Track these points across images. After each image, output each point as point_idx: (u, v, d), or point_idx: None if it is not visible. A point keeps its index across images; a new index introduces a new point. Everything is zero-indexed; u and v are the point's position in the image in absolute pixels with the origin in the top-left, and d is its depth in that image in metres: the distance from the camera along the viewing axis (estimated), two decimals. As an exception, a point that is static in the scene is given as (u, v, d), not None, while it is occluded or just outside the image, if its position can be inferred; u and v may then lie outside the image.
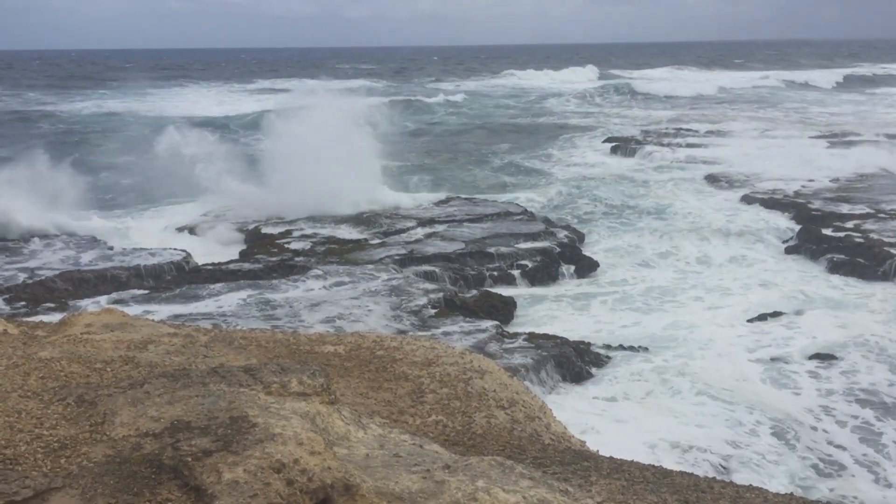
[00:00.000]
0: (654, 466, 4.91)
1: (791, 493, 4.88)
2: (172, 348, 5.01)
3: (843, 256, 22.41)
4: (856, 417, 14.05)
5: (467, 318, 17.51)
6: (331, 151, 28.49)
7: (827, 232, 24.19)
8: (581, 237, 25.36)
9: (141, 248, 22.05)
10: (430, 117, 61.90)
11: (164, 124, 56.57)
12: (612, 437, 12.74)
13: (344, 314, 17.20)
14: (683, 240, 24.44)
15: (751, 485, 4.85)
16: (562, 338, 16.77)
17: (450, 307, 18.33)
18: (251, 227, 25.55)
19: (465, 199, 29.84)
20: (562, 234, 24.69)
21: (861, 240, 23.03)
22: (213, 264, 21.33)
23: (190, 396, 3.77)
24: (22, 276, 19.39)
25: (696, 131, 47.77)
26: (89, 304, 17.66)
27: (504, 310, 18.90)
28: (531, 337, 16.60)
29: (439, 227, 25.03)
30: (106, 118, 61.17)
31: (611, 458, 5.05)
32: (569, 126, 55.16)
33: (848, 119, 55.72)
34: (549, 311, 19.66)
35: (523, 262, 22.08)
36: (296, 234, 24.44)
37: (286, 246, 23.11)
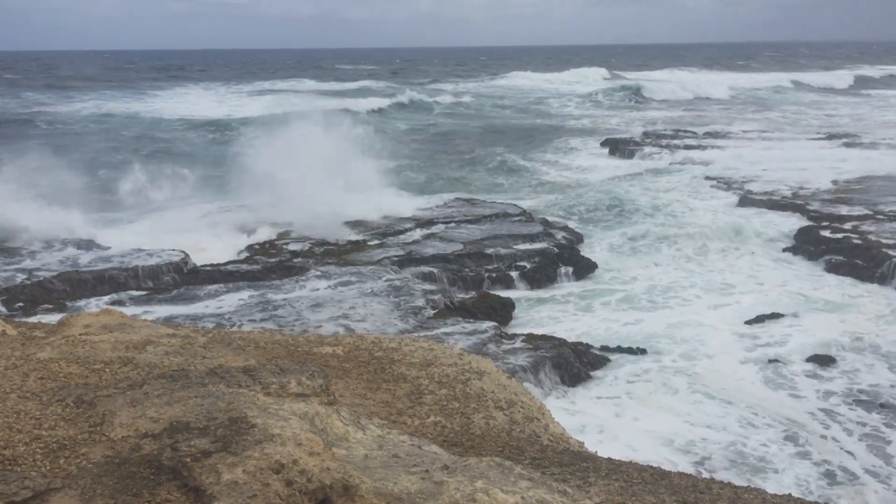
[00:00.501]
0: (652, 467, 4.92)
1: (789, 494, 4.89)
2: (171, 349, 5.01)
3: (841, 258, 22.44)
4: (855, 419, 14.05)
5: (466, 320, 17.51)
6: (324, 168, 28.07)
7: (825, 233, 24.22)
8: (579, 238, 25.37)
9: (139, 249, 22.03)
10: (435, 118, 61.85)
11: (165, 125, 56.80)
12: (610, 438, 12.77)
13: (342, 315, 17.20)
14: (681, 241, 24.45)
15: (748, 485, 4.86)
16: (560, 339, 16.78)
17: (448, 308, 18.33)
18: (249, 228, 25.52)
19: (464, 200, 29.86)
20: (560, 236, 24.70)
21: (859, 241, 23.06)
22: (211, 265, 21.33)
23: (189, 397, 3.77)
24: (20, 277, 19.38)
25: (695, 133, 47.82)
26: (88, 305, 17.66)
27: (502, 311, 18.91)
28: (529, 338, 16.60)
29: (437, 229, 25.04)
30: (105, 119, 61.12)
31: (609, 459, 5.06)
32: (570, 128, 55.21)
33: (861, 120, 55.74)
34: (547, 312, 19.67)
35: (521, 264, 22.08)
36: (294, 234, 24.45)
37: (284, 247, 23.11)
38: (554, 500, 3.40)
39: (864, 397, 14.77)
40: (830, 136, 44.94)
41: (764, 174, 33.71)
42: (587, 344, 16.97)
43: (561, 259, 22.64)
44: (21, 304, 17.98)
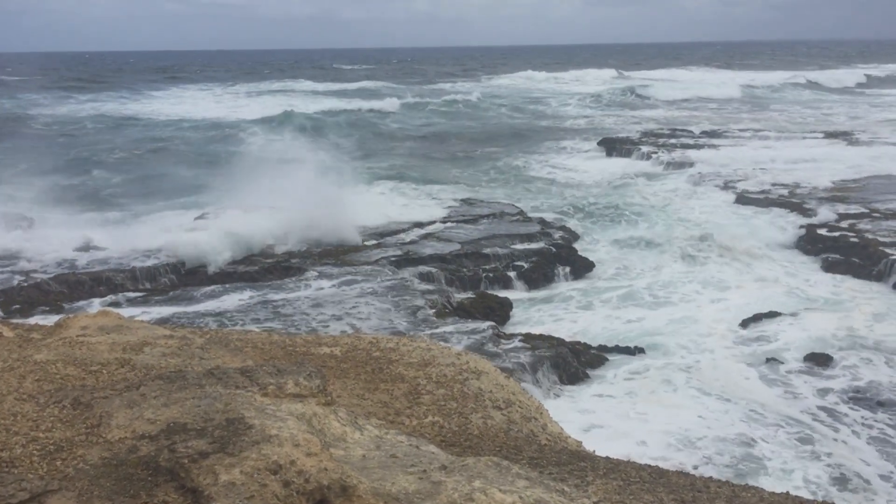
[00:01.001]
0: (650, 466, 4.92)
1: (787, 493, 4.89)
2: (168, 350, 5.01)
3: (838, 256, 22.47)
4: (854, 418, 14.07)
5: (464, 319, 17.52)
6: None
7: (822, 232, 24.26)
8: (577, 238, 25.39)
9: (136, 251, 22.01)
10: (433, 118, 61.83)
11: (163, 126, 56.75)
12: (608, 438, 12.77)
13: (340, 316, 17.20)
14: (678, 240, 24.46)
15: (746, 484, 4.87)
16: (558, 338, 16.79)
17: (446, 308, 18.34)
18: (247, 224, 25.44)
19: (462, 200, 29.87)
20: (557, 235, 24.72)
21: (856, 239, 23.10)
22: (208, 265, 21.29)
23: (186, 398, 3.77)
24: (17, 279, 19.36)
25: (692, 132, 47.85)
26: (88, 306, 17.64)
27: (500, 311, 18.92)
28: (527, 338, 16.61)
29: (435, 229, 25.04)
30: (102, 120, 61.05)
31: (607, 458, 5.06)
32: (570, 128, 55.17)
33: (855, 119, 55.69)
34: (545, 312, 19.68)
35: (519, 263, 22.09)
36: (291, 235, 24.41)
37: (282, 248, 23.07)
38: (552, 500, 3.40)
39: (862, 395, 14.79)
40: (830, 135, 44.97)
41: (762, 172, 33.75)
42: (585, 343, 16.98)
43: (558, 259, 22.65)
44: (18, 305, 17.96)
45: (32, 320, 14.58)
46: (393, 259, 21.66)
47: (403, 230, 24.94)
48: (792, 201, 28.32)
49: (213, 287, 19.57)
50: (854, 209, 26.59)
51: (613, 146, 43.12)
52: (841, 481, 12.05)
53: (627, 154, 40.98)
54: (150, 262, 20.88)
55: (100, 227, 27.44)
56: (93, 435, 3.54)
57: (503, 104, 71.89)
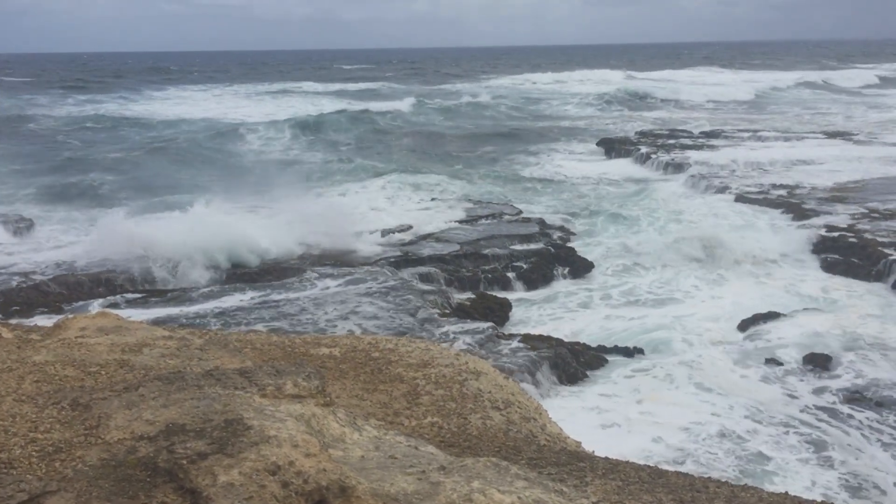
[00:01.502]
0: (649, 466, 4.93)
1: (785, 492, 4.90)
2: (167, 351, 5.01)
3: (837, 256, 22.48)
4: (854, 418, 14.07)
5: (463, 320, 17.52)
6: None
7: (821, 232, 24.26)
8: (575, 238, 25.40)
9: (136, 251, 21.97)
10: (433, 118, 61.75)
11: (163, 126, 56.73)
12: (607, 438, 12.76)
13: (339, 316, 17.20)
14: (676, 241, 24.46)
15: (745, 484, 4.87)
16: (557, 339, 16.79)
17: (445, 309, 18.34)
18: (246, 225, 25.45)
19: (462, 200, 29.88)
20: (556, 236, 24.74)
21: (855, 240, 23.10)
22: (207, 266, 21.27)
23: (185, 399, 3.77)
24: (16, 280, 19.35)
25: (691, 133, 47.86)
26: (90, 307, 17.63)
27: (499, 311, 18.92)
28: (526, 338, 16.61)
29: (434, 229, 25.04)
30: (101, 120, 61.02)
31: (606, 458, 5.06)
32: (571, 128, 55.10)
33: (851, 118, 55.51)
34: (544, 312, 19.69)
35: (518, 264, 22.10)
36: (291, 236, 24.39)
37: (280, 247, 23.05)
38: (550, 500, 3.40)
39: (863, 396, 14.78)
40: (831, 135, 44.98)
41: (763, 174, 33.76)
42: (584, 344, 16.99)
43: (557, 259, 22.66)
44: (17, 307, 17.95)
45: (31, 321, 14.59)
46: (392, 260, 21.66)
47: (403, 230, 24.94)
48: (791, 202, 28.33)
49: (211, 287, 19.56)
50: (853, 209, 26.60)
51: (612, 146, 43.14)
52: (852, 488, 12.04)
53: (627, 154, 41.00)
54: (149, 263, 20.84)
55: (98, 227, 27.39)
56: (91, 436, 3.54)
57: (506, 105, 71.82)
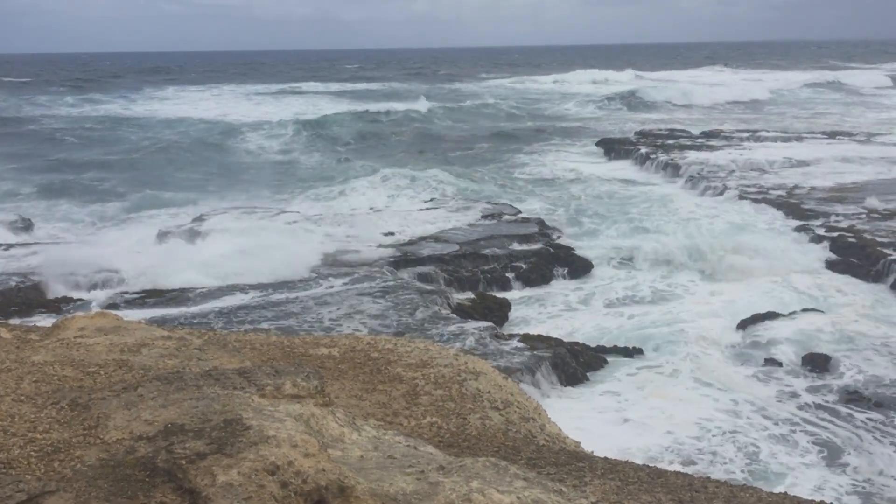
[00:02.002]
0: (648, 466, 4.93)
1: (785, 493, 4.90)
2: (166, 351, 5.00)
3: (836, 256, 22.48)
4: (854, 418, 14.08)
5: (462, 320, 17.52)
6: None
7: (820, 232, 24.27)
8: (575, 238, 25.39)
9: (135, 252, 21.98)
10: (434, 119, 61.66)
11: (164, 127, 56.73)
12: (606, 439, 12.76)
13: (339, 316, 17.19)
14: (676, 241, 24.46)
15: (745, 484, 4.87)
16: (556, 339, 16.79)
17: (444, 309, 18.33)
18: (245, 227, 25.45)
19: (462, 200, 29.89)
20: (555, 236, 24.74)
21: (854, 240, 23.11)
22: (207, 267, 21.25)
23: (184, 399, 3.77)
24: (15, 281, 19.34)
25: (690, 133, 47.84)
26: (83, 308, 17.62)
27: (498, 311, 18.92)
28: (526, 338, 16.61)
29: (433, 229, 25.03)
30: (104, 121, 61.03)
31: (605, 458, 5.06)
32: (571, 129, 55.04)
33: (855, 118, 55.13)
34: (543, 312, 19.69)
35: (517, 264, 22.10)
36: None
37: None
38: (549, 500, 3.40)
39: (861, 395, 14.77)
40: (831, 135, 44.97)
41: (762, 172, 33.76)
42: (584, 344, 16.98)
43: (557, 259, 22.66)
44: (16, 307, 17.94)
45: (30, 322, 14.58)
46: (391, 260, 21.66)
47: (402, 231, 24.94)
48: (790, 202, 28.33)
49: (209, 287, 19.54)
50: (853, 209, 26.61)
51: (612, 147, 43.13)
52: (857, 490, 12.04)
53: (626, 155, 40.99)
54: (148, 263, 20.82)
55: (98, 228, 27.44)
56: (90, 436, 3.54)
57: (506, 105, 71.70)
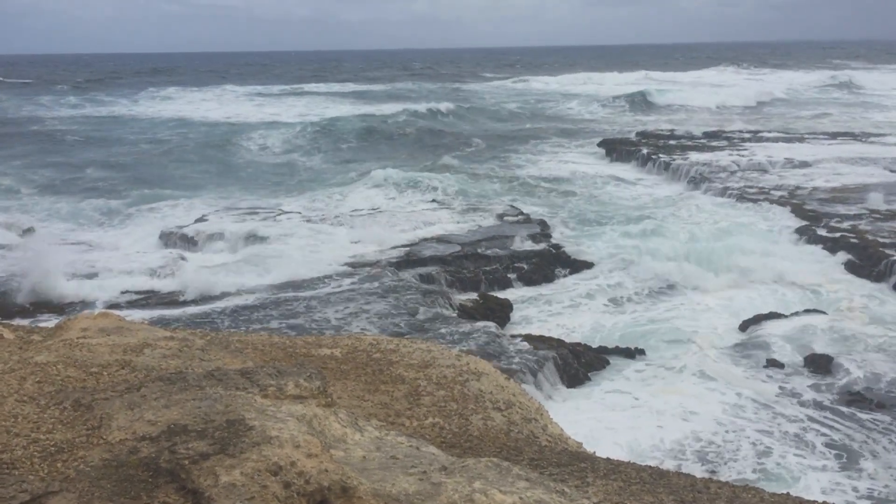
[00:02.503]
0: (650, 467, 4.93)
1: (787, 493, 4.89)
2: (169, 352, 5.01)
3: (838, 257, 22.46)
4: (855, 419, 14.07)
5: (464, 320, 17.52)
6: None
7: (822, 233, 24.25)
8: (576, 238, 25.40)
9: (136, 252, 22.02)
10: (435, 120, 61.66)
11: (163, 127, 56.80)
12: (608, 439, 12.77)
13: (340, 317, 17.20)
14: (677, 242, 24.46)
15: (747, 485, 4.87)
16: (558, 340, 16.79)
17: (447, 309, 18.33)
18: (246, 228, 25.51)
19: (463, 200, 29.89)
20: (557, 236, 24.74)
21: (856, 240, 23.09)
22: (208, 268, 21.30)
23: (186, 400, 3.77)
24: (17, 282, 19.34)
25: (693, 133, 47.80)
26: (85, 308, 17.64)
27: (500, 312, 18.92)
28: (528, 339, 16.62)
29: (435, 230, 25.04)
30: (104, 121, 61.07)
31: (607, 459, 5.06)
32: (573, 130, 54.98)
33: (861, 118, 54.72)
34: (545, 312, 19.68)
35: (519, 265, 22.09)
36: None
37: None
38: (552, 501, 3.40)
39: (862, 396, 14.76)
40: (833, 136, 44.91)
41: (764, 175, 33.74)
42: (585, 345, 16.99)
43: (558, 260, 22.67)
44: (17, 308, 17.96)
45: (33, 322, 14.60)
46: (393, 261, 21.66)
47: (403, 232, 24.95)
48: (792, 202, 28.32)
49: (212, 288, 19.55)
50: (855, 210, 26.59)
51: (614, 147, 43.10)
52: (859, 491, 12.04)
53: (628, 155, 40.96)
54: (150, 263, 20.87)
55: (100, 228, 27.46)
56: (93, 436, 3.54)
57: (507, 106, 71.69)
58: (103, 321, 5.47)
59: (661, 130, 50.19)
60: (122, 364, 4.66)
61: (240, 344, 6.05)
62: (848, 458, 12.72)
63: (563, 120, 62.79)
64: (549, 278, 21.87)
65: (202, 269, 20.96)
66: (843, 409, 14.37)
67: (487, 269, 21.75)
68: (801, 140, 43.43)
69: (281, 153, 46.38)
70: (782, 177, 32.99)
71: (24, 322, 14.01)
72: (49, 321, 15.09)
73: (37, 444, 3.46)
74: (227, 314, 17.50)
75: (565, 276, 22.08)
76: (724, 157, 37.33)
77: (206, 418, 3.53)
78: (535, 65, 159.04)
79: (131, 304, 18.29)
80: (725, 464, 12.47)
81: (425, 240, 23.98)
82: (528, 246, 23.29)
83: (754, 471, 12.26)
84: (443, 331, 16.52)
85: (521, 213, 27.35)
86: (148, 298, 18.94)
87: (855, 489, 11.88)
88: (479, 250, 22.67)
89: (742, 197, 29.70)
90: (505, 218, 26.53)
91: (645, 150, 40.36)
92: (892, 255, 21.46)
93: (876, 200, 27.10)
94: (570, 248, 23.71)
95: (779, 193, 29.92)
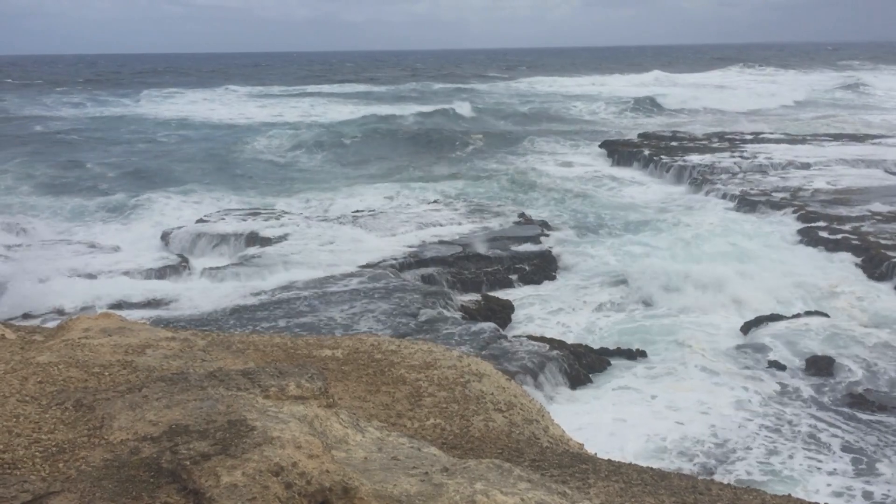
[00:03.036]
0: (652, 469, 4.93)
1: (788, 495, 4.89)
2: (170, 352, 5.01)
3: (839, 258, 22.44)
4: (855, 420, 14.05)
5: (465, 321, 17.52)
6: None
7: (824, 234, 24.23)
8: (577, 240, 25.39)
9: (137, 253, 22.03)
10: (436, 121, 61.57)
11: (165, 127, 56.83)
12: (610, 440, 12.75)
13: (341, 317, 17.19)
14: (678, 242, 24.44)
15: (748, 486, 4.87)
16: (559, 341, 16.78)
17: (448, 310, 18.33)
18: (247, 229, 25.51)
19: (464, 201, 29.88)
20: (558, 237, 24.74)
21: (858, 242, 23.07)
22: (210, 269, 21.30)
23: (188, 400, 3.77)
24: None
25: (694, 135, 47.76)
26: (87, 309, 17.64)
27: (502, 313, 18.92)
28: (529, 340, 16.60)
29: (437, 231, 25.03)
30: (104, 121, 61.09)
31: (609, 460, 5.06)
32: (575, 131, 54.91)
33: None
34: (546, 313, 19.67)
35: (521, 266, 22.09)
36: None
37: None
38: (553, 502, 3.40)
39: (864, 399, 14.74)
40: (836, 137, 44.84)
41: (762, 173, 33.72)
42: (587, 346, 16.97)
43: (559, 260, 22.65)
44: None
45: (35, 322, 14.61)
46: (394, 261, 21.66)
47: (405, 233, 24.95)
48: (794, 203, 28.29)
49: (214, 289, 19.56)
50: (857, 211, 26.57)
51: (616, 149, 43.06)
52: (862, 491, 12.02)
53: (630, 157, 40.91)
54: (153, 264, 20.88)
55: (102, 228, 27.48)
56: (95, 437, 3.55)
57: (508, 106, 71.59)
58: (105, 321, 5.47)
59: (663, 132, 50.13)
60: (124, 364, 4.66)
61: (241, 344, 6.06)
62: (852, 461, 12.69)
63: (564, 120, 62.78)
64: (550, 279, 21.86)
65: (203, 270, 21.00)
66: (846, 410, 14.36)
67: (489, 269, 21.75)
68: (805, 141, 43.36)
69: (283, 154, 46.39)
70: (784, 178, 32.95)
71: (26, 322, 14.03)
72: (51, 321, 15.12)
73: (38, 445, 3.46)
74: (227, 314, 17.51)
75: (566, 276, 22.06)
76: (725, 159, 37.29)
77: (208, 419, 3.53)
78: (537, 66, 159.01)
79: (132, 305, 18.30)
80: (729, 464, 12.45)
81: (427, 241, 23.99)
82: (530, 247, 23.29)
83: (760, 472, 12.24)
84: (444, 332, 16.52)
85: (523, 214, 27.35)
86: (149, 299, 18.94)
87: (867, 495, 11.81)
88: (480, 251, 22.67)
89: (744, 198, 29.67)
90: (506, 219, 26.53)
91: (647, 152, 40.32)
92: (894, 257, 21.44)
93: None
94: (570, 249, 23.69)
95: (781, 195, 29.89)
